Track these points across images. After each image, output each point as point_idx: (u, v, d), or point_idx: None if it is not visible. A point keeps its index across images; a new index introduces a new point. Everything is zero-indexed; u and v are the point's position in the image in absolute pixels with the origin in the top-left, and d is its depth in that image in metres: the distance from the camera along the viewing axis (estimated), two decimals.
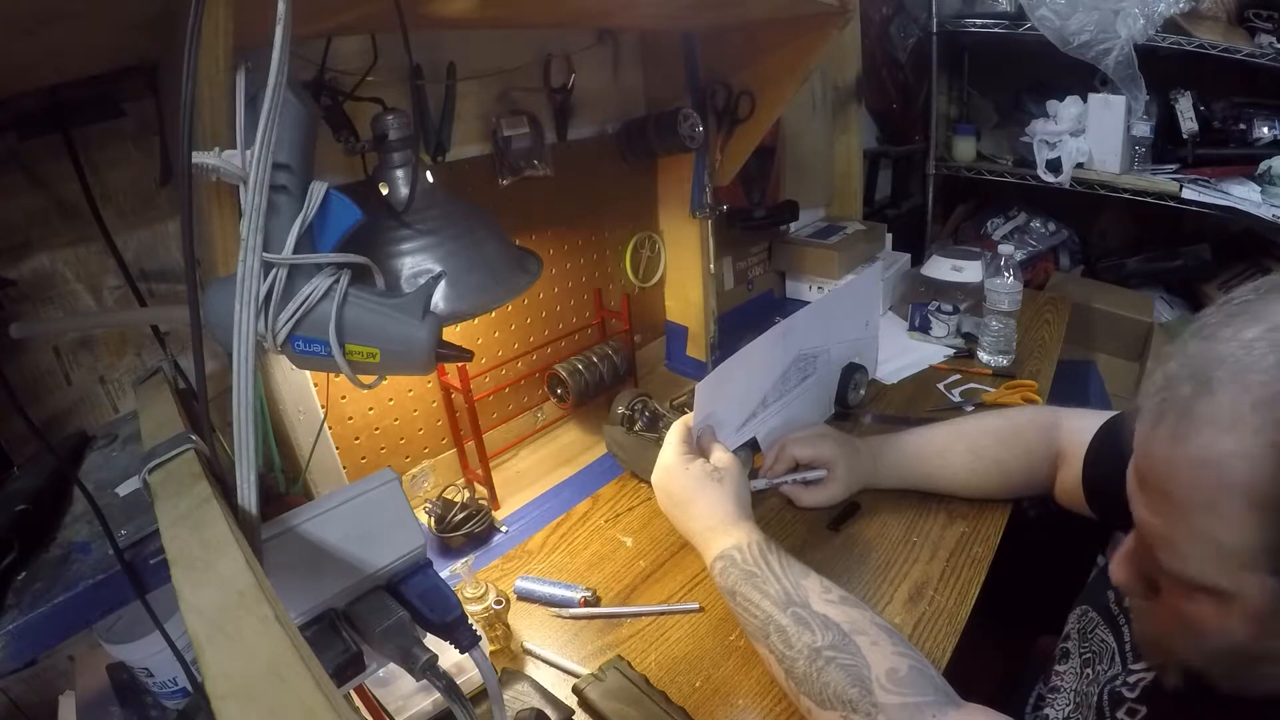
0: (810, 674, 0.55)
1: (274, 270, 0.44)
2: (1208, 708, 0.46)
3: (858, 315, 1.07)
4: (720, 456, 0.75)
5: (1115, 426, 0.73)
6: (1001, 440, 0.84)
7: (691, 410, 0.78)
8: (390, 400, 0.92)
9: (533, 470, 1.05)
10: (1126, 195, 1.64)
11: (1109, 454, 0.71)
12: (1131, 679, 0.53)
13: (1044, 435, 0.81)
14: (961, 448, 0.85)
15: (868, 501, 0.89)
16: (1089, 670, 0.60)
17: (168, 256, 0.70)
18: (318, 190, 0.45)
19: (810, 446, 0.86)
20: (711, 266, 1.22)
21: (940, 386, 1.16)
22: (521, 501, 0.98)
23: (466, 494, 0.92)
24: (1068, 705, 0.61)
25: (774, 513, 0.89)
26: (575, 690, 0.66)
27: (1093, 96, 1.60)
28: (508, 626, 0.73)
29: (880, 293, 1.07)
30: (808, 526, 0.87)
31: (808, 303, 1.52)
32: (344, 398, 0.86)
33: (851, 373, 1.07)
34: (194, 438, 0.42)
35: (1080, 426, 0.77)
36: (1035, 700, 0.68)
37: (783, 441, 0.87)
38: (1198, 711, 0.47)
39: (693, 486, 0.72)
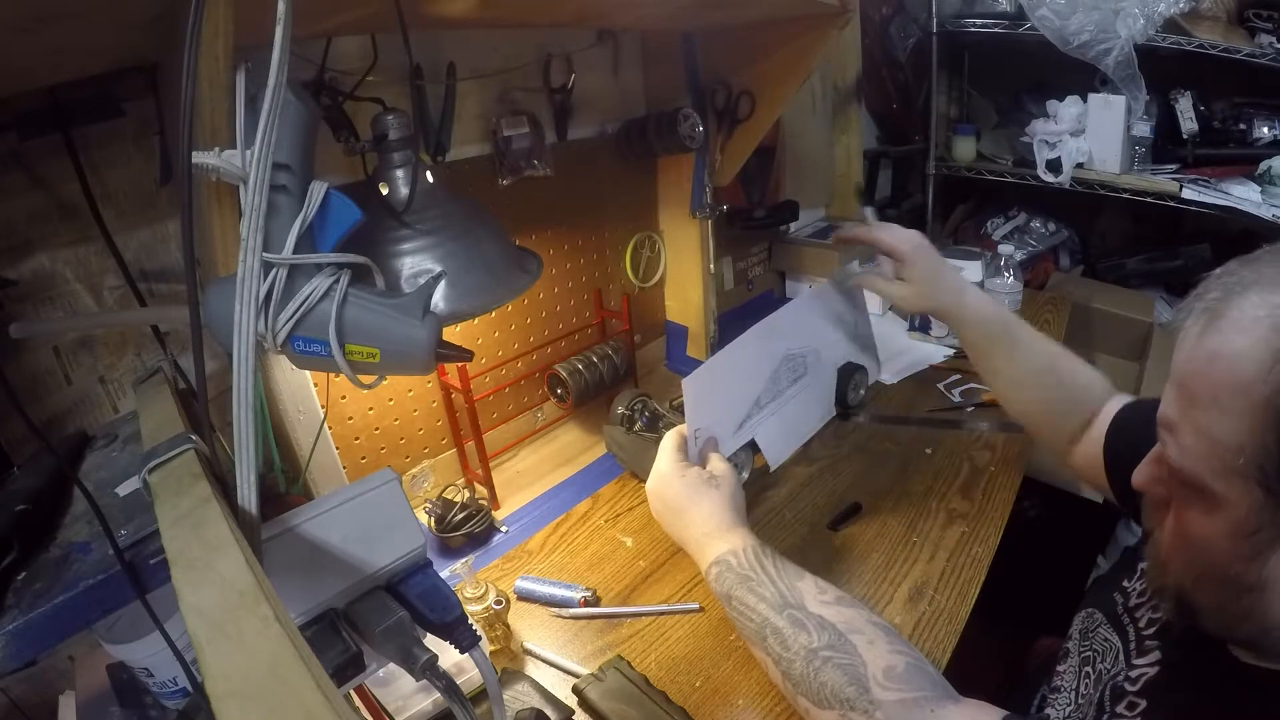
0: (807, 674, 0.55)
1: (274, 270, 0.44)
2: (1207, 699, 0.47)
3: (845, 315, 1.06)
4: (716, 465, 0.76)
5: (1143, 405, 0.73)
6: (1062, 364, 0.81)
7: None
8: (390, 400, 0.92)
9: (533, 470, 1.05)
10: (1126, 195, 1.63)
11: (1129, 437, 0.71)
12: (1134, 674, 0.53)
13: (1094, 386, 0.79)
14: (1028, 341, 0.82)
15: (868, 501, 0.89)
16: (1088, 669, 0.60)
17: (168, 256, 0.70)
18: (318, 190, 0.45)
19: (892, 235, 0.84)
20: (711, 266, 1.22)
21: (940, 386, 1.16)
22: (521, 501, 0.98)
23: (466, 494, 0.92)
24: (1069, 705, 0.61)
25: (774, 513, 0.89)
26: (575, 690, 0.66)
27: (1093, 96, 1.60)
28: (508, 626, 0.73)
29: (863, 293, 1.05)
30: (808, 527, 0.87)
31: None
32: (344, 398, 0.86)
33: (851, 373, 1.07)
34: (194, 438, 0.42)
35: (1111, 405, 0.77)
36: (1039, 701, 0.68)
37: (871, 226, 0.87)
38: (1197, 703, 0.47)
39: (688, 493, 0.72)
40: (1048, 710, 0.63)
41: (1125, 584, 0.62)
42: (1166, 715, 0.48)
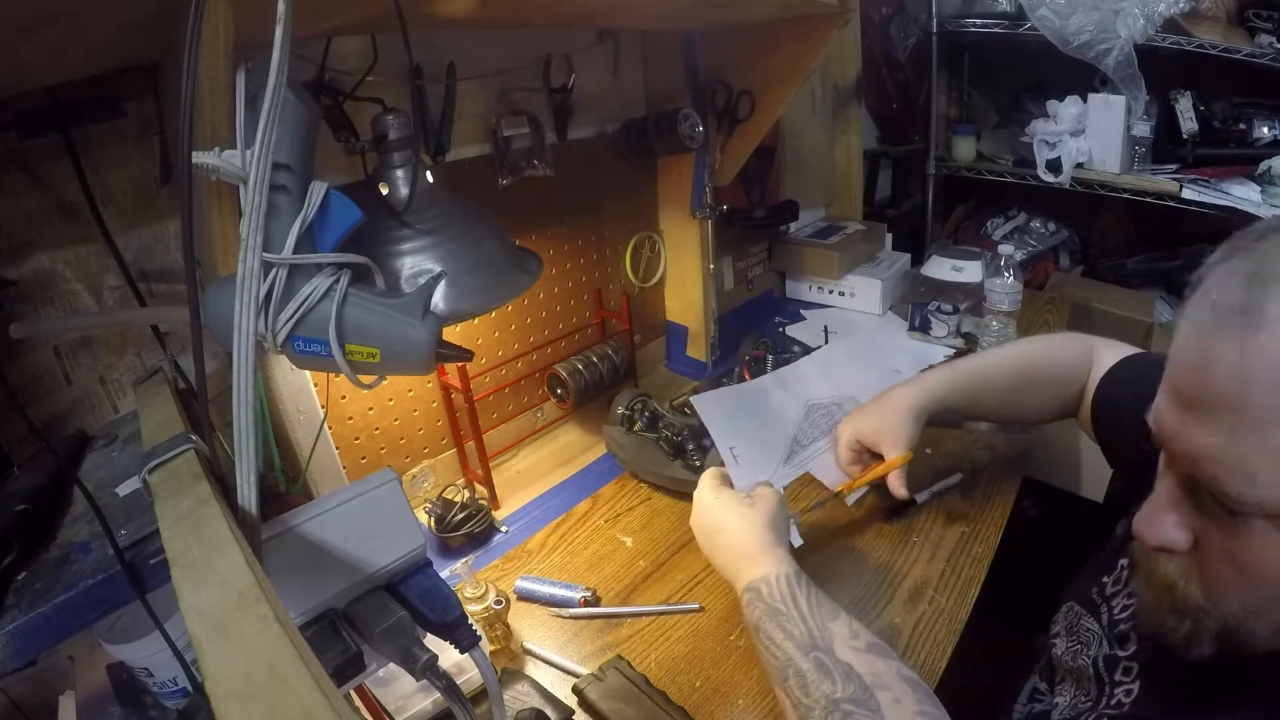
0: None
1: (274, 270, 0.44)
2: (1191, 671, 0.46)
3: (879, 364, 1.03)
4: (758, 489, 0.72)
5: (1135, 361, 0.75)
6: (1036, 364, 0.84)
7: (688, 411, 0.78)
8: (390, 400, 0.92)
9: (533, 470, 1.05)
10: (1126, 195, 1.64)
11: (1121, 386, 0.73)
12: (1121, 648, 0.55)
13: (1076, 360, 0.82)
14: (994, 380, 0.85)
15: (867, 501, 0.89)
16: (1082, 659, 0.61)
17: (168, 256, 0.70)
18: (318, 190, 0.45)
19: (855, 431, 0.83)
20: (711, 266, 1.22)
21: None
22: (521, 501, 0.98)
23: (466, 494, 0.92)
24: (1072, 688, 0.62)
25: None
26: (575, 690, 0.66)
27: (1093, 96, 1.60)
28: (508, 626, 0.73)
29: (901, 342, 1.02)
30: (808, 526, 0.87)
31: (807, 303, 1.53)
32: (344, 398, 0.86)
33: None
34: (194, 438, 0.42)
35: (1107, 356, 0.78)
36: (1030, 693, 0.68)
37: (835, 436, 0.85)
38: (1184, 673, 0.47)
39: (721, 513, 0.69)
40: (1057, 700, 0.63)
41: (1104, 579, 0.63)
42: (1159, 680, 0.49)
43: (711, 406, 0.77)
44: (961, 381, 0.85)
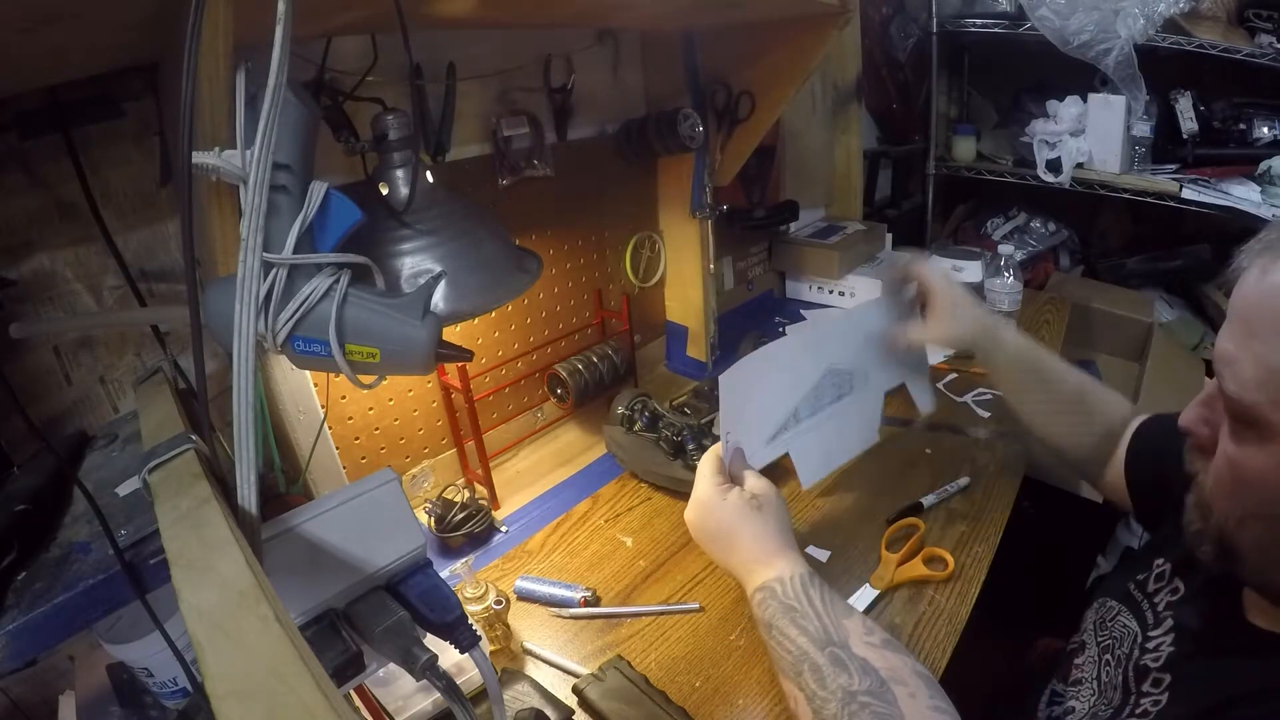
0: (841, 717, 0.53)
1: (274, 270, 0.44)
2: (1224, 666, 0.48)
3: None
4: (755, 484, 0.71)
5: (1156, 423, 0.75)
6: (1090, 394, 0.82)
7: (688, 411, 0.77)
8: (390, 400, 0.92)
9: (533, 470, 1.05)
10: (1126, 195, 1.64)
11: (1150, 452, 0.73)
12: (1152, 648, 0.55)
13: (1121, 410, 0.80)
14: (1060, 375, 0.82)
15: (868, 501, 0.89)
16: (1108, 656, 0.61)
17: (168, 256, 0.70)
18: (318, 190, 0.45)
19: (927, 272, 0.84)
20: (711, 266, 1.22)
21: (940, 386, 1.16)
22: (521, 501, 0.98)
23: (466, 494, 0.92)
24: (1092, 695, 0.61)
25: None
26: (575, 690, 0.66)
27: (1093, 96, 1.60)
28: (508, 626, 0.73)
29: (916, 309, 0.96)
30: (809, 526, 0.87)
31: (807, 303, 1.53)
32: (344, 398, 0.86)
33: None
34: (194, 438, 0.42)
35: (1136, 420, 0.78)
36: (1050, 697, 0.68)
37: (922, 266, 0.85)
38: (1217, 671, 0.48)
39: (732, 518, 0.68)
40: (1070, 703, 0.63)
41: (1140, 576, 0.63)
42: (1191, 687, 0.49)
43: (734, 382, 0.73)
44: (1026, 348, 0.83)
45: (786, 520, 0.70)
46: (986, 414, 1.05)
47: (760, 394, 0.80)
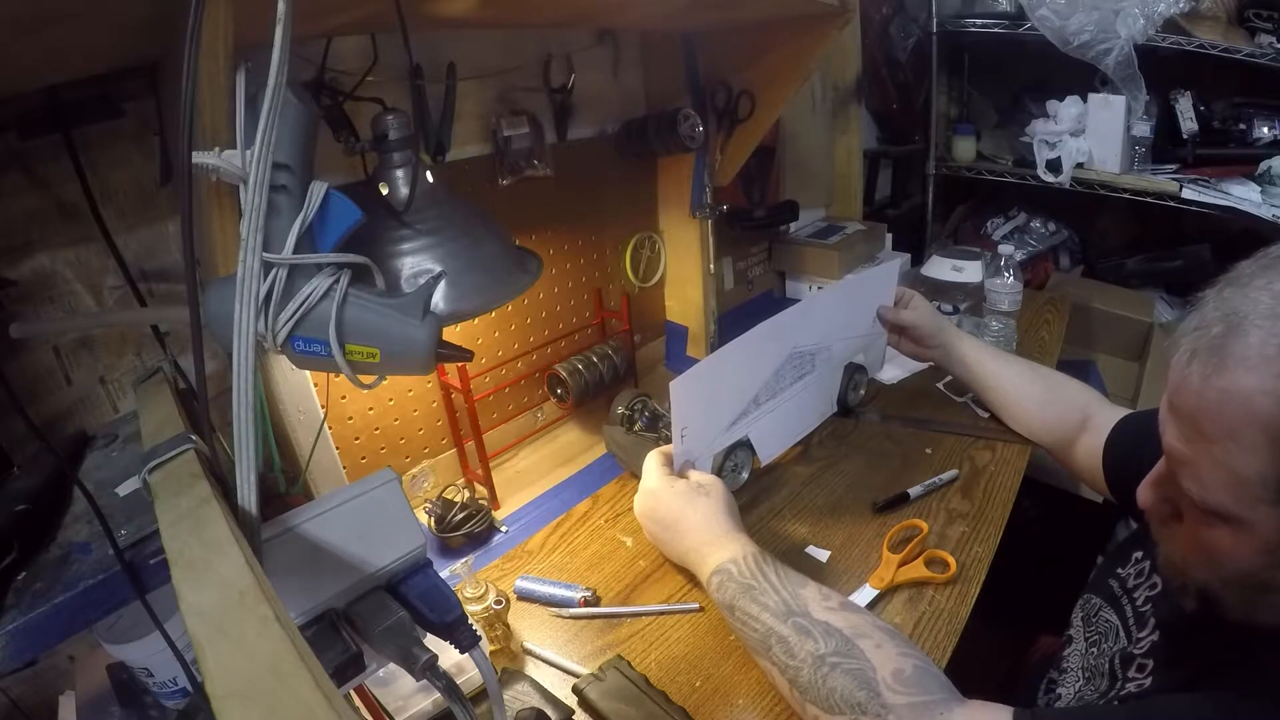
0: (815, 681, 0.55)
1: (274, 270, 0.44)
2: (1206, 658, 0.49)
3: (866, 311, 1.03)
4: (701, 476, 0.74)
5: (1133, 420, 0.78)
6: (1040, 369, 0.96)
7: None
8: (390, 400, 0.92)
9: (533, 470, 1.05)
10: (1126, 195, 1.63)
11: (1127, 446, 0.75)
12: (1138, 641, 0.56)
13: (1081, 396, 0.89)
14: (1006, 357, 0.99)
15: (868, 501, 0.89)
16: (1094, 649, 0.62)
17: (168, 256, 0.70)
18: (318, 190, 0.45)
19: (915, 314, 1.01)
20: (711, 266, 1.22)
21: (940, 386, 1.16)
22: (521, 501, 0.98)
23: (466, 494, 0.92)
24: (1078, 680, 0.63)
25: (774, 513, 0.89)
26: (575, 690, 0.66)
27: (1093, 96, 1.60)
28: (508, 626, 0.73)
29: (894, 289, 1.05)
30: (809, 526, 0.87)
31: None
32: (344, 398, 0.86)
33: (851, 373, 1.07)
34: (194, 438, 0.42)
35: (1108, 414, 0.82)
36: (1046, 685, 0.69)
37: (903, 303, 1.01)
38: (1202, 660, 0.49)
39: (679, 504, 0.71)
40: (1058, 689, 0.64)
41: (1120, 571, 0.64)
42: (1175, 676, 0.51)
43: (685, 388, 0.76)
44: (976, 360, 0.99)
45: (733, 505, 0.73)
46: (985, 414, 1.05)
47: (717, 391, 0.82)
